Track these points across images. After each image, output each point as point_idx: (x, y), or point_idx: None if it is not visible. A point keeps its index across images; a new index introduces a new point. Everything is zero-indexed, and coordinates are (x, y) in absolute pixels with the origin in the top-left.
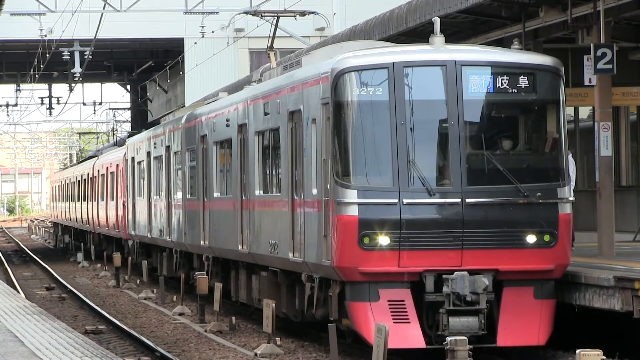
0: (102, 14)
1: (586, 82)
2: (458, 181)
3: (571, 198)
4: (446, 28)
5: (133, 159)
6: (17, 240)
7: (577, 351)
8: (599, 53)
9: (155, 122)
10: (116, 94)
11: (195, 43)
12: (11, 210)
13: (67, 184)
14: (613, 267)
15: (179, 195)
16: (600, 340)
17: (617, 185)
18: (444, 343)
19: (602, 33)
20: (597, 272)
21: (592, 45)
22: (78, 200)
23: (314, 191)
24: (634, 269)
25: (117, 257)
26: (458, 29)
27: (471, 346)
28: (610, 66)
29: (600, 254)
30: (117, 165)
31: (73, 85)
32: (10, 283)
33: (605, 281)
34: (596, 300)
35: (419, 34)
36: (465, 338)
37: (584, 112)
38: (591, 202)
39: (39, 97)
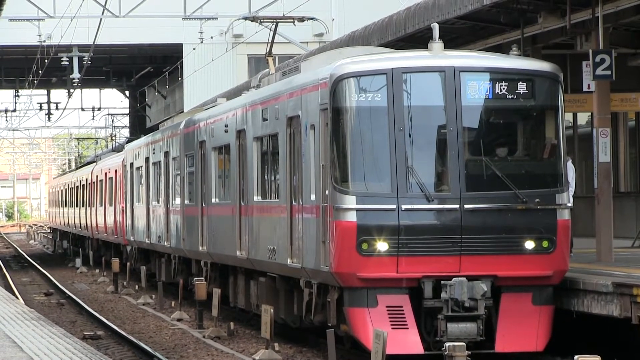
0: (101, 19)
1: (585, 88)
2: (457, 187)
3: (570, 204)
4: (445, 34)
5: (132, 164)
6: (15, 246)
7: (576, 357)
8: (597, 59)
9: (154, 128)
10: (115, 100)
11: (194, 49)
12: (10, 216)
13: (66, 189)
14: (611, 273)
15: (178, 200)
16: (598, 346)
17: (616, 191)
18: (442, 349)
19: (600, 39)
20: (596, 278)
21: (590, 51)
22: (77, 206)
23: (313, 197)
24: (633, 275)
25: (115, 262)
26: (456, 35)
27: (469, 352)
28: (608, 72)
29: (598, 260)
30: (116, 170)
31: (72, 90)
32: (8, 288)
33: (604, 287)
34: (595, 306)
35: (418, 40)
36: (464, 344)
37: (583, 118)
38: (590, 208)
39: (38, 103)
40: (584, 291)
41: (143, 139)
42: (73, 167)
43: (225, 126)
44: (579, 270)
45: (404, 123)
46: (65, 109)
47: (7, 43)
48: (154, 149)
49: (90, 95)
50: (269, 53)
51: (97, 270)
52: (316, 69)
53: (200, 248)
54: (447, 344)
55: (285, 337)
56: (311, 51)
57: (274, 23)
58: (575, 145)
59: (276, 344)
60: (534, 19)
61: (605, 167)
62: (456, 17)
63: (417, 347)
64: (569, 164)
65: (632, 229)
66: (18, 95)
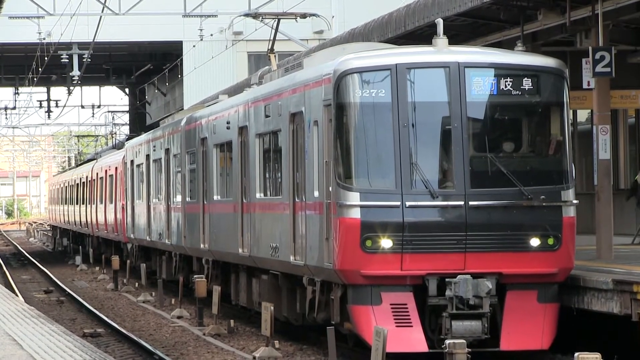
0: (101, 17)
1: (585, 85)
2: (461, 184)
3: (575, 201)
4: (444, 31)
5: (132, 161)
6: (15, 244)
7: (576, 354)
8: (597, 56)
9: (154, 125)
10: (115, 97)
11: (194, 46)
12: (9, 213)
13: (66, 187)
14: (611, 271)
15: (179, 198)
16: (598, 343)
17: (616, 188)
18: (443, 346)
19: (600, 36)
20: (596, 276)
21: (590, 48)
22: (77, 203)
23: (316, 194)
24: (633, 272)
25: (115, 260)
26: (457, 32)
27: (470, 349)
28: (608, 69)
29: (598, 257)
30: (116, 168)
31: (71, 88)
32: (8, 286)
33: (604, 284)
34: (595, 303)
35: (418, 37)
36: (464, 341)
37: (583, 115)
38: (590, 206)
39: (38, 100)
40: (584, 288)
41: (144, 136)
42: (73, 164)
43: (227, 123)
44: (579, 267)
45: (408, 119)
46: (65, 106)
47: (7, 41)
48: (154, 146)
49: (90, 93)
50: (271, 50)
51: (97, 268)
52: (319, 65)
53: (202, 246)
54: (447, 341)
55: (286, 334)
56: (313, 47)
57: (276, 20)
58: (575, 142)
59: (276, 342)
60: (533, 16)
61: (605, 164)
62: (456, 14)
63: (421, 345)
64: None
65: (632, 226)
66: (18, 93)
